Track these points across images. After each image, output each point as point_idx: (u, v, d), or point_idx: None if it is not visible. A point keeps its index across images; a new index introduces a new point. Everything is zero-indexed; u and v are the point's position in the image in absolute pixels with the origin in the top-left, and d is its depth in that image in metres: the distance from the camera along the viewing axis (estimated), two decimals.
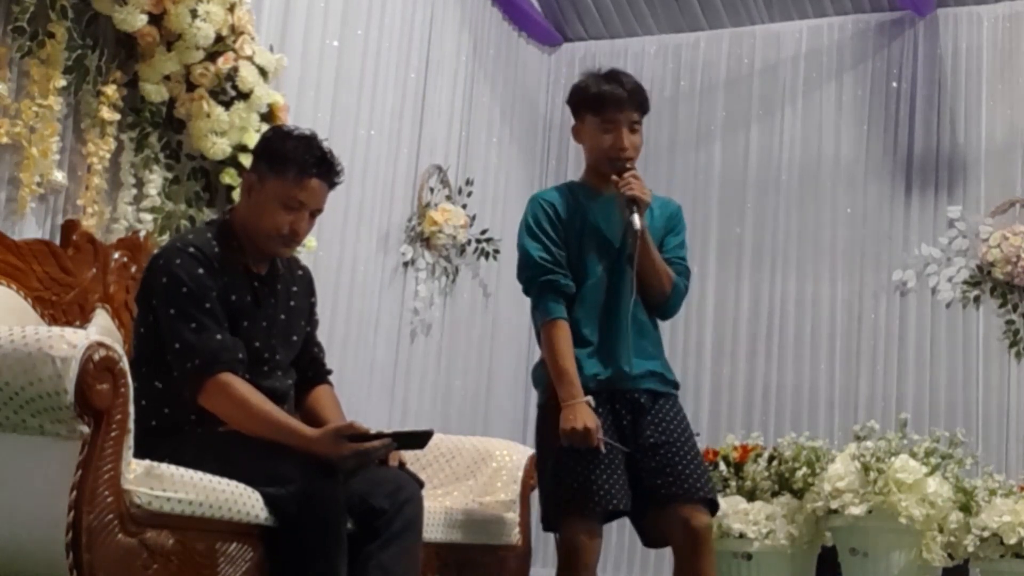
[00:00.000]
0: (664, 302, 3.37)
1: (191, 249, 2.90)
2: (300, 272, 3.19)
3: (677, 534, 3.27)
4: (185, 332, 2.82)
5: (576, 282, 3.31)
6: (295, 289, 3.14)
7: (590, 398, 3.20)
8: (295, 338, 3.12)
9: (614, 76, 3.37)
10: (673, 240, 3.45)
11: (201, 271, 2.88)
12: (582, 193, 3.40)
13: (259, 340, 2.98)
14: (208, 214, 4.32)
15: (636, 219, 3.22)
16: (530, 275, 3.32)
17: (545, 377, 3.30)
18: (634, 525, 3.40)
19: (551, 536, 3.32)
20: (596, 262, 3.32)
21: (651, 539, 3.41)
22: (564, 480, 3.22)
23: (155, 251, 3.08)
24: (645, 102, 3.37)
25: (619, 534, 6.31)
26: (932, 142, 6.32)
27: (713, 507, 3.30)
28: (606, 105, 3.31)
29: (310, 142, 2.98)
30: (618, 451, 3.22)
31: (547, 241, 3.31)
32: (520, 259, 3.36)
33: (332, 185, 3.03)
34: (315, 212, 3.01)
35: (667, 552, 3.37)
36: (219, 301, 2.89)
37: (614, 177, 3.28)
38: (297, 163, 2.94)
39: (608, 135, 3.31)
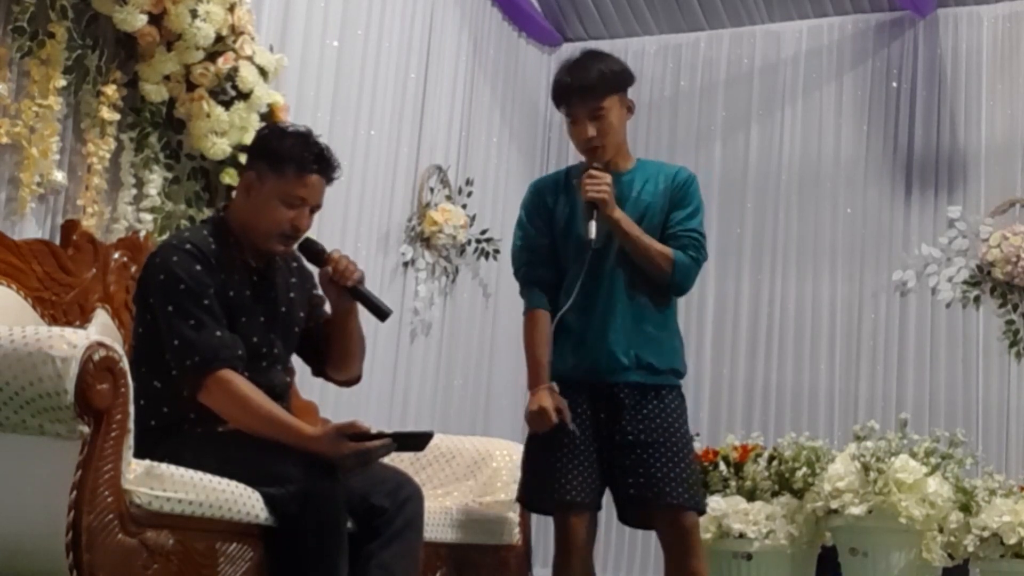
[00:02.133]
0: (670, 281, 3.30)
1: (187, 246, 2.91)
2: (295, 263, 3.18)
3: (664, 536, 3.28)
4: (184, 329, 2.82)
5: (564, 268, 3.33)
6: (293, 281, 3.14)
7: (554, 384, 3.25)
8: (296, 330, 3.12)
9: (568, 67, 3.35)
10: (679, 213, 3.35)
11: (198, 268, 2.88)
12: (577, 175, 3.39)
13: (257, 335, 2.98)
14: (208, 214, 4.32)
15: (592, 228, 3.18)
16: (514, 267, 3.43)
17: None
18: (616, 509, 3.39)
19: (551, 536, 3.33)
20: (581, 248, 3.29)
21: (627, 520, 3.39)
22: (529, 466, 3.32)
23: (152, 250, 3.08)
24: (602, 85, 3.27)
25: (619, 534, 6.32)
26: (932, 142, 6.32)
27: (695, 509, 3.27)
28: (560, 101, 3.33)
29: (307, 139, 3.00)
30: (588, 445, 3.23)
31: (529, 229, 3.39)
32: (511, 248, 3.47)
33: (330, 181, 3.05)
34: (314, 208, 3.02)
35: None
36: (217, 298, 2.89)
37: (575, 182, 3.29)
38: (296, 160, 2.95)
39: (574, 127, 3.32)
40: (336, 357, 3.18)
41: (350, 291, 3.04)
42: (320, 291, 3.18)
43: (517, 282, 3.44)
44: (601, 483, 3.29)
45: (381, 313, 3.05)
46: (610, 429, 3.27)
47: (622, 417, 3.26)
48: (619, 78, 3.33)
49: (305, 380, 3.33)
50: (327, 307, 3.18)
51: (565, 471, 3.22)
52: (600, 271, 3.30)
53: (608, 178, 3.23)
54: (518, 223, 3.44)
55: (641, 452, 3.23)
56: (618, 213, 3.24)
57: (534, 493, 3.34)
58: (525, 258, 3.39)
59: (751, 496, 4.72)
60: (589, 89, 3.26)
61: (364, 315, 3.12)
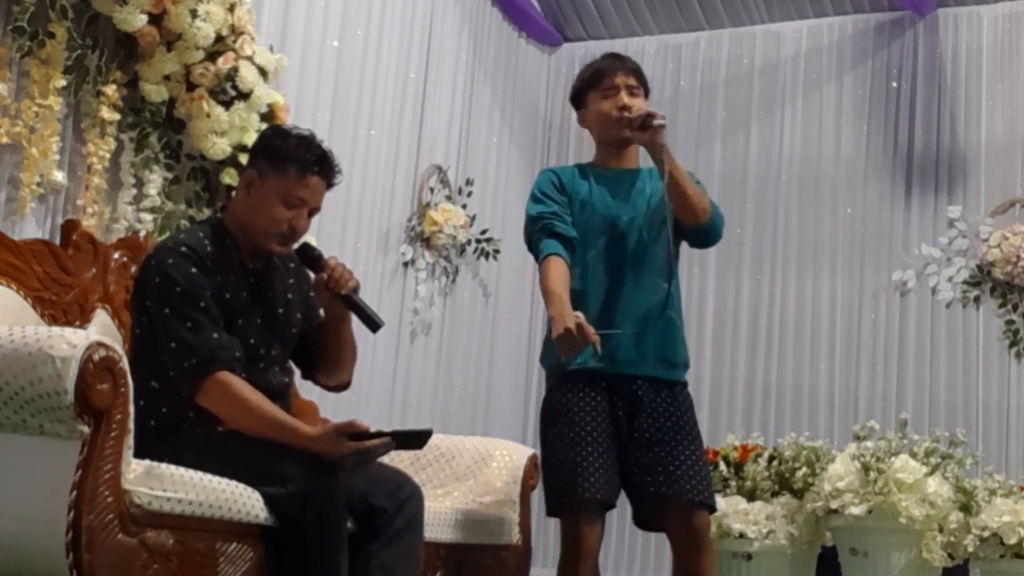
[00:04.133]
0: (706, 224, 3.31)
1: (183, 248, 2.90)
2: (292, 265, 3.19)
3: (676, 534, 3.27)
4: (181, 331, 2.82)
5: (580, 256, 3.31)
6: (291, 282, 3.14)
7: (579, 313, 3.10)
8: (294, 330, 3.12)
9: (605, 55, 3.52)
10: None
11: (194, 270, 2.88)
12: (591, 171, 3.44)
13: (255, 337, 2.98)
14: (208, 214, 4.32)
15: (657, 119, 3.20)
16: (529, 231, 3.34)
17: (550, 358, 3.29)
18: (632, 510, 3.37)
19: (551, 535, 3.32)
20: (598, 237, 3.32)
21: (643, 522, 3.38)
22: (551, 468, 3.28)
23: (148, 252, 3.08)
24: (640, 72, 3.43)
25: (619, 533, 6.32)
26: (932, 142, 6.32)
27: (709, 507, 3.27)
28: (604, 74, 3.40)
29: (310, 141, 3.01)
30: (608, 442, 3.21)
31: (546, 200, 3.35)
32: (524, 223, 3.38)
33: (330, 185, 3.06)
34: (313, 211, 3.02)
35: (667, 552, 3.37)
36: (213, 300, 2.89)
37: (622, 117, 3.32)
38: (298, 161, 2.96)
39: (608, 100, 3.37)
40: (327, 362, 3.19)
41: (344, 299, 3.05)
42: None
43: (531, 245, 3.32)
44: (619, 481, 3.27)
45: (373, 324, 3.05)
46: (629, 426, 3.27)
47: (640, 414, 3.26)
48: (646, 81, 3.48)
49: (305, 381, 3.33)
50: (322, 311, 3.19)
51: (588, 468, 3.18)
52: (619, 257, 3.30)
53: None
54: (532, 198, 3.37)
55: (659, 450, 3.23)
56: (664, 140, 3.24)
57: (553, 494, 3.26)
58: (546, 214, 3.31)
59: (751, 496, 4.73)
60: (634, 69, 3.42)
61: (357, 322, 3.12)
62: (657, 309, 3.27)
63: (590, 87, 3.42)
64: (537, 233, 3.31)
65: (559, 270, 3.21)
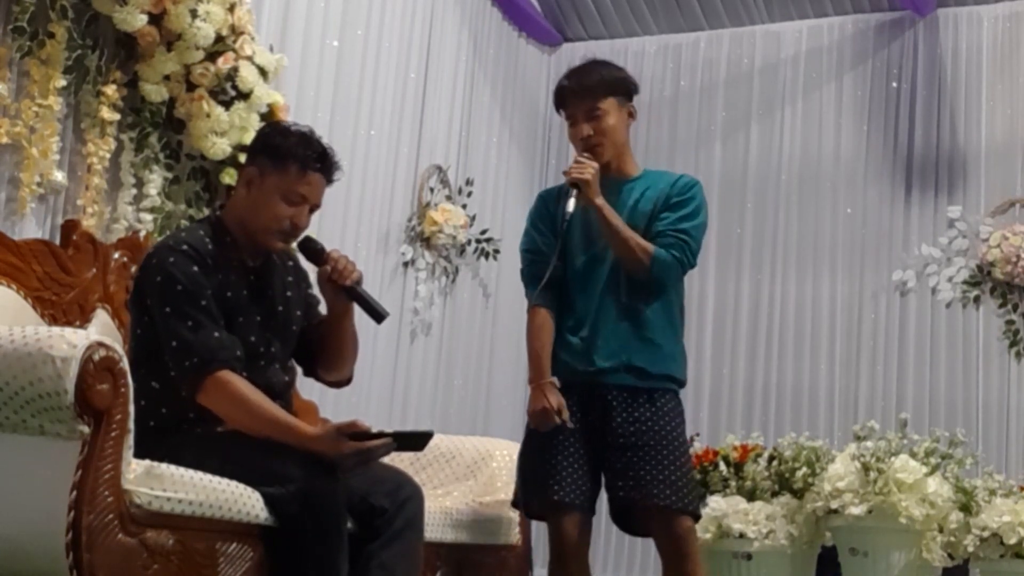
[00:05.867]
0: (648, 276, 3.28)
1: (184, 247, 2.90)
2: (291, 263, 3.19)
3: (658, 541, 3.29)
4: (182, 330, 2.82)
5: (565, 272, 3.35)
6: (290, 280, 3.14)
7: (555, 379, 3.25)
8: (294, 328, 3.12)
9: (569, 71, 3.45)
10: (671, 214, 3.34)
11: (196, 269, 2.88)
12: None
13: (255, 335, 2.98)
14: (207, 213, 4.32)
15: (570, 203, 3.24)
16: (521, 267, 3.45)
17: None
18: (609, 512, 3.40)
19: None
20: (580, 253, 3.35)
21: (624, 525, 3.41)
22: (523, 468, 3.33)
23: (148, 251, 3.08)
24: (597, 86, 3.34)
25: (618, 535, 6.30)
26: (932, 142, 6.33)
27: (688, 513, 3.26)
28: (558, 104, 3.42)
29: (310, 138, 3.01)
30: (580, 446, 3.24)
31: (534, 232, 3.43)
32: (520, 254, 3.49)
33: (331, 181, 3.06)
34: (314, 207, 3.03)
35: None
36: (214, 299, 2.89)
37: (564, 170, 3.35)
38: (299, 158, 2.96)
39: (572, 129, 3.38)
40: (329, 358, 3.18)
41: (348, 291, 3.04)
42: (316, 291, 3.18)
43: (523, 283, 3.46)
44: (593, 485, 3.29)
45: (378, 315, 3.05)
46: (601, 431, 3.28)
47: (613, 419, 3.27)
48: (618, 83, 3.39)
49: (305, 380, 3.33)
50: (322, 307, 3.18)
51: (557, 473, 3.23)
52: (597, 275, 3.32)
53: (595, 165, 3.27)
54: (525, 230, 3.47)
55: (631, 455, 3.23)
56: (600, 200, 3.26)
57: (526, 496, 3.35)
58: (529, 258, 3.42)
59: (751, 496, 4.72)
60: (587, 89, 3.33)
61: (360, 316, 3.12)
62: (633, 329, 3.29)
63: (557, 110, 3.44)
64: (526, 275, 3.43)
65: (541, 324, 3.32)
